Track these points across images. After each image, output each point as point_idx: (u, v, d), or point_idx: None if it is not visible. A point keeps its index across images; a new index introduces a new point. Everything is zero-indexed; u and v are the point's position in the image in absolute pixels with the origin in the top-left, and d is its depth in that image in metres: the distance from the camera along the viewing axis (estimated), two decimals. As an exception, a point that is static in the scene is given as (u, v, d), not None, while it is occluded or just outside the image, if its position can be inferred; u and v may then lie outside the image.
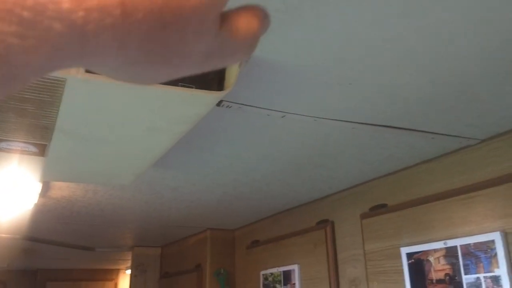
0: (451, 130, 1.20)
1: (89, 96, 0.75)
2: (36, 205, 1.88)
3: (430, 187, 1.39)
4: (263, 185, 1.71)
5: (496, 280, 1.23)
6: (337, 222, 1.77)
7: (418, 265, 1.35)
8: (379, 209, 1.55)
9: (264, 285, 2.12)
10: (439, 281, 1.28)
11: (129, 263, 3.71)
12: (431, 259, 1.31)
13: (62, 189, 1.69)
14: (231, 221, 2.40)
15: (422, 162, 1.43)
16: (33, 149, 1.00)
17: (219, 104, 1.00)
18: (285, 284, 1.96)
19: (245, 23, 0.20)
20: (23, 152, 1.02)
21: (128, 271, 4.01)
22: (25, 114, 0.80)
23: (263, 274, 2.14)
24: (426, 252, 1.33)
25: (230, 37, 0.20)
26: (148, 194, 1.79)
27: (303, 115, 1.09)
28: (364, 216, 1.60)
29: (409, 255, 1.38)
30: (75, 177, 1.26)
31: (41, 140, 0.94)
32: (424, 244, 1.34)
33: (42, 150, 1.01)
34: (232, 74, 0.80)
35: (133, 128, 0.89)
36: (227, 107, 1.02)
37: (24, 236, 2.57)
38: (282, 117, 1.08)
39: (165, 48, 0.18)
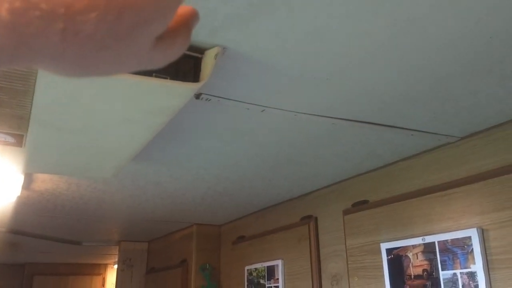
0: (430, 127, 1.21)
1: (62, 86, 0.75)
2: (19, 198, 1.88)
3: (409, 184, 1.40)
4: (245, 182, 1.72)
5: (472, 276, 1.24)
6: (320, 217, 1.78)
7: (397, 260, 1.36)
8: (360, 205, 1.56)
9: (248, 280, 2.13)
10: (417, 276, 1.30)
11: (116, 258, 3.71)
12: (410, 254, 1.33)
13: (45, 182, 1.68)
14: (217, 217, 2.40)
15: (402, 159, 1.44)
16: (10, 139, 1.00)
17: (198, 97, 1.00)
18: (268, 279, 1.97)
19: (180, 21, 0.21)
20: (1, 142, 1.02)
21: (116, 266, 4.01)
22: (-1, 103, 0.80)
23: (247, 269, 2.15)
24: (405, 248, 1.35)
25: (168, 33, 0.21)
26: (131, 189, 1.79)
27: (283, 110, 1.09)
28: (346, 212, 1.61)
29: (389, 251, 1.39)
30: (56, 169, 1.26)
31: (18, 131, 0.93)
32: (403, 240, 1.36)
33: (20, 141, 1.00)
34: (208, 66, 0.80)
35: (108, 119, 0.89)
36: (206, 100, 1.03)
37: (8, 229, 2.56)
38: (262, 111, 1.09)
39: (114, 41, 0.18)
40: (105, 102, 0.82)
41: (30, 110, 0.82)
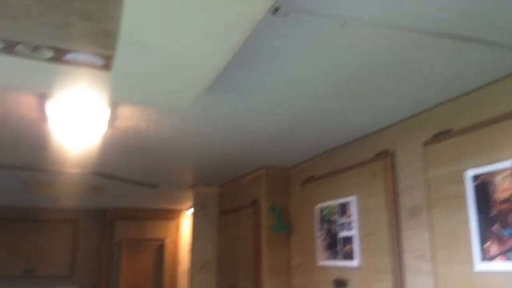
0: (526, 40, 1.11)
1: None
2: (104, 137, 1.99)
3: (496, 108, 1.31)
4: (319, 115, 1.69)
5: None
6: (397, 152, 1.73)
7: (483, 187, 1.30)
8: (443, 135, 1.49)
9: (319, 218, 2.14)
10: (504, 201, 1.24)
11: (189, 204, 3.89)
12: (497, 179, 1.26)
13: (127, 118, 1.76)
14: (286, 159, 2.42)
15: (488, 83, 1.35)
16: (99, 61, 1.04)
17: (275, 11, 0.98)
18: (341, 216, 1.97)
19: None
20: (90, 66, 1.07)
21: (189, 212, 4.21)
22: (88, 16, 0.82)
23: (319, 208, 2.16)
24: (491, 173, 1.28)
25: None
26: (205, 125, 1.83)
27: (364, 24, 1.05)
28: (427, 143, 1.55)
29: (474, 178, 1.33)
30: (139, 97, 1.31)
31: (106, 50, 0.97)
32: (489, 165, 1.29)
33: (107, 63, 1.05)
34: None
35: (190, 33, 0.90)
36: (283, 15, 1.00)
37: (92, 172, 2.74)
38: (342, 25, 1.05)
39: None
40: (187, 13, 0.82)
41: (119, 23, 0.84)
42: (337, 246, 1.96)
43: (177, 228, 4.52)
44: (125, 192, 3.61)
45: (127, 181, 3.01)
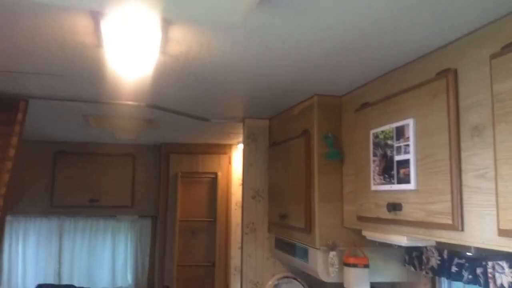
0: None
1: None
2: (157, 65, 2.01)
3: None
4: (376, 33, 1.61)
5: None
6: (460, 68, 1.63)
7: (556, 99, 1.21)
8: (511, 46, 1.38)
9: (374, 143, 2.11)
10: None
11: (240, 138, 3.94)
12: None
13: (179, 42, 1.76)
14: (339, 85, 2.36)
15: None
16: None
17: None
18: (397, 139, 1.93)
19: None
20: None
21: (240, 146, 4.28)
22: None
23: (373, 133, 2.12)
24: None
25: None
26: (257, 48, 1.80)
27: None
28: (494, 56, 1.45)
29: (546, 90, 1.24)
30: (190, 12, 1.29)
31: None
32: None
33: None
34: None
35: None
36: None
37: (147, 104, 2.81)
38: None
39: None
40: None
41: None
42: (392, 170, 1.94)
43: (229, 162, 4.64)
44: (178, 127, 3.71)
45: (180, 114, 3.07)
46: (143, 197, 4.74)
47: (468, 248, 1.71)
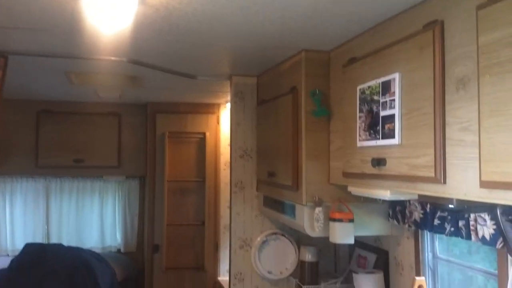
0: None
1: None
2: (136, 16, 1.94)
3: None
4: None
5: None
6: (447, 20, 1.60)
7: (543, 47, 1.19)
8: (500, -5, 1.35)
9: (360, 99, 2.09)
10: None
11: (228, 97, 3.90)
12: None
13: (158, -8, 1.69)
14: (327, 39, 2.31)
15: None
16: None
17: None
18: (383, 95, 1.91)
19: None
20: None
21: (229, 105, 4.24)
22: None
23: (360, 89, 2.09)
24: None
25: None
26: (242, -1, 1.74)
27: None
28: (481, 7, 1.41)
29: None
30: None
31: None
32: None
33: None
34: None
35: None
36: None
37: (129, 59, 2.74)
38: None
39: None
40: None
41: None
42: (378, 126, 1.93)
43: (217, 121, 4.60)
44: (164, 85, 3.65)
45: (164, 71, 3.01)
46: (130, 157, 4.72)
47: (450, 201, 1.73)
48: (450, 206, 1.86)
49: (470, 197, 1.49)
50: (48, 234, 4.62)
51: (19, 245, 4.11)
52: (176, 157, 4.57)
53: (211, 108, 4.59)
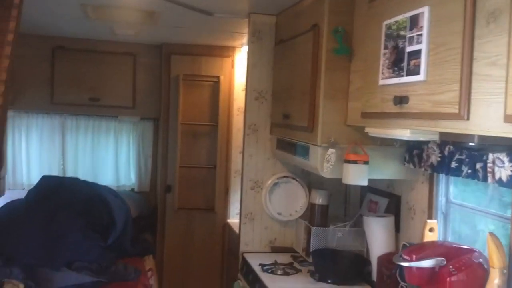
0: None
1: None
2: None
3: None
4: None
5: None
6: None
7: None
8: None
9: (386, 35, 2.02)
10: None
11: (244, 39, 3.82)
12: None
13: None
14: (353, -27, 2.22)
15: None
16: None
17: None
18: (411, 29, 1.84)
19: None
20: None
21: (244, 48, 4.17)
22: None
23: (386, 24, 2.02)
24: None
25: None
26: None
27: None
28: None
29: None
30: None
31: None
32: None
33: None
34: None
35: None
36: None
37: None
38: None
39: None
40: None
41: None
42: (403, 62, 1.88)
43: (231, 65, 4.54)
44: (180, 22, 3.58)
45: (182, 5, 2.93)
46: (144, 98, 4.71)
47: (471, 139, 1.71)
48: (471, 144, 1.84)
49: (493, 133, 1.47)
50: (64, 171, 4.71)
51: (35, 180, 4.20)
52: (190, 100, 4.55)
53: (226, 51, 4.52)
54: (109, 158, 4.88)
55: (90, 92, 4.53)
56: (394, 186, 2.79)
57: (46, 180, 3.87)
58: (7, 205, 3.61)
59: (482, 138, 1.63)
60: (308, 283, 2.74)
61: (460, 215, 2.39)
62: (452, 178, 2.40)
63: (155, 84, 4.69)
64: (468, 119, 1.56)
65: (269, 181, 3.38)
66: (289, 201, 3.37)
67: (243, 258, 3.28)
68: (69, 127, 4.74)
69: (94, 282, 2.99)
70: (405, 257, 1.93)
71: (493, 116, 1.46)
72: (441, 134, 1.95)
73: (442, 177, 2.40)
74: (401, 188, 2.71)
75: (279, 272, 2.91)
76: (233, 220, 4.44)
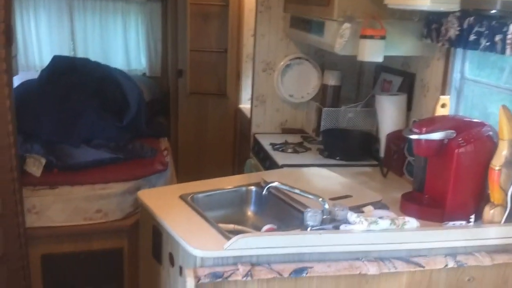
0: None
1: None
2: None
3: None
4: None
5: None
6: None
7: None
8: None
9: None
10: None
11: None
12: None
13: None
14: None
15: None
16: None
17: None
18: None
19: None
20: None
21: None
22: None
23: None
24: None
25: None
26: None
27: None
28: None
29: None
30: None
31: None
32: None
33: None
34: None
35: None
36: None
37: None
38: None
39: None
40: None
41: None
42: None
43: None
44: None
45: None
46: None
47: (494, 5, 1.62)
48: (492, 12, 1.75)
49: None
50: (74, 52, 4.67)
51: (47, 61, 4.17)
52: (199, 28, 4.35)
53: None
54: (118, 41, 4.80)
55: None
56: (409, 64, 2.73)
57: (57, 60, 3.84)
58: (22, 84, 3.63)
59: (505, 3, 1.54)
60: (316, 160, 2.84)
61: (472, 94, 2.37)
62: (468, 56, 2.34)
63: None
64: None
65: (282, 63, 3.33)
66: (301, 83, 3.36)
67: (255, 138, 3.37)
68: (77, 8, 4.59)
69: (113, 158, 3.10)
70: (415, 130, 1.95)
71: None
72: (462, 2, 1.85)
73: (459, 53, 2.34)
74: (416, 65, 2.66)
75: (289, 150, 3.00)
76: (245, 105, 4.46)
